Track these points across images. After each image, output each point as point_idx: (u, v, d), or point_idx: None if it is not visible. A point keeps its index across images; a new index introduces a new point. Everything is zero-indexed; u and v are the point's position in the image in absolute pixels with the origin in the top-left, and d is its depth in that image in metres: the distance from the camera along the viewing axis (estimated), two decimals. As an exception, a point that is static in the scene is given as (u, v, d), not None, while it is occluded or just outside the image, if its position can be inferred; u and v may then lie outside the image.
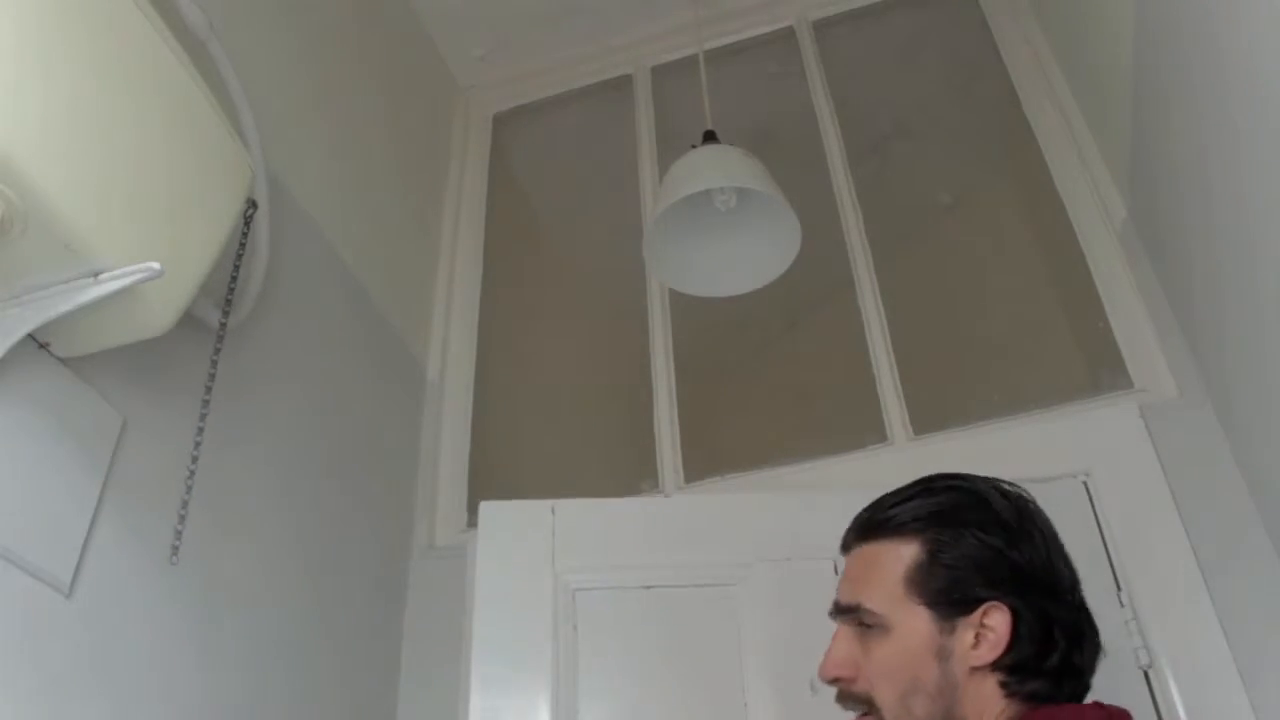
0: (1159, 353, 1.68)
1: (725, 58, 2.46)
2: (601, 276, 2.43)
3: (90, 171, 1.00)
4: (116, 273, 1.01)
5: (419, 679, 1.73)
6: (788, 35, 2.50)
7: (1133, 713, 0.86)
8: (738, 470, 1.84)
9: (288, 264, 1.64)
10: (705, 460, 1.90)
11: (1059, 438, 1.64)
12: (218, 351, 1.37)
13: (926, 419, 1.79)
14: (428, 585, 1.83)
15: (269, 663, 1.43)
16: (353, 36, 2.14)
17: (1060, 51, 2.09)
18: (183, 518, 1.28)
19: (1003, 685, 0.87)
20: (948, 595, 0.89)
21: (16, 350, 1.02)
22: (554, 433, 2.17)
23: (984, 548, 0.90)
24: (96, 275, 1.01)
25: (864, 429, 1.81)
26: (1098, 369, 1.75)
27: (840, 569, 0.99)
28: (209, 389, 1.35)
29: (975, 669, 0.87)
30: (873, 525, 0.96)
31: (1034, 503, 0.96)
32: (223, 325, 1.37)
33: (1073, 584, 0.93)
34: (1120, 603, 1.46)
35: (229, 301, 1.40)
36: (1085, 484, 1.57)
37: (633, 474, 1.93)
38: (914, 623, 0.89)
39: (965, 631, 0.88)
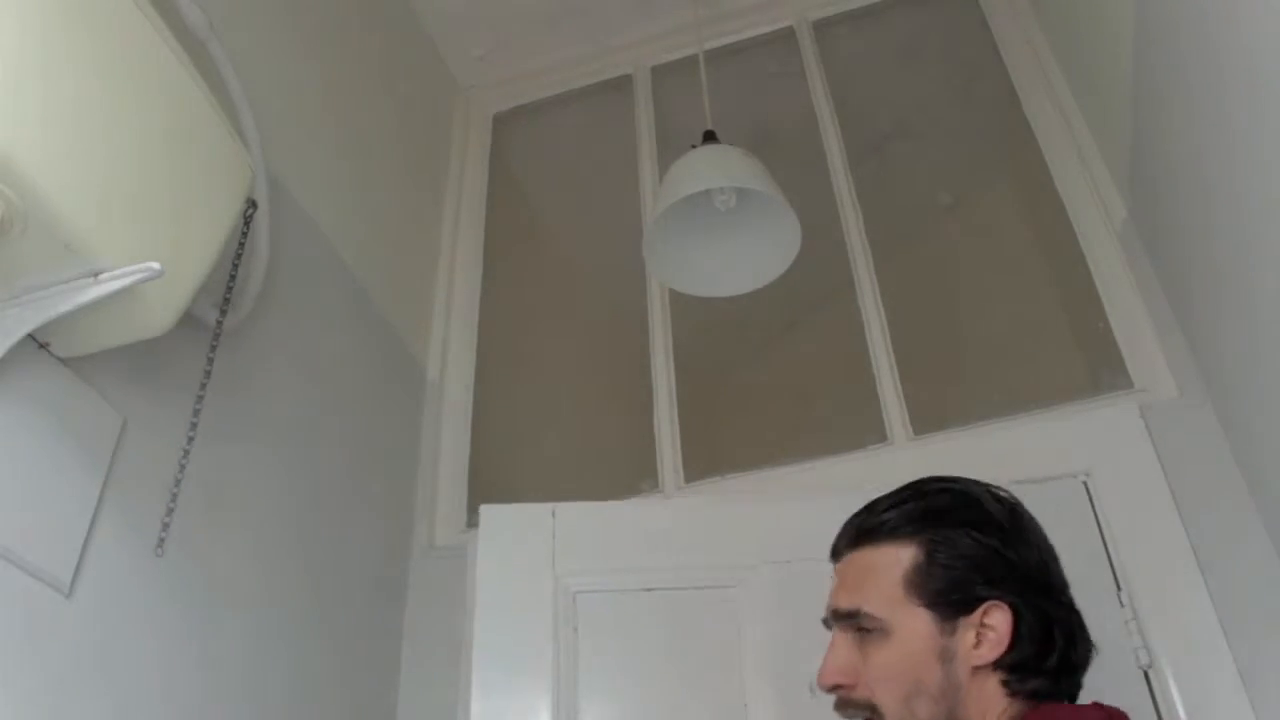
0: (1159, 352, 1.68)
1: (725, 58, 2.45)
2: (601, 276, 2.43)
3: (90, 172, 1.00)
4: (116, 273, 1.01)
5: (419, 679, 1.73)
6: (787, 35, 2.50)
7: (1133, 713, 0.86)
8: (738, 470, 1.84)
9: (287, 264, 1.64)
10: (705, 460, 1.90)
11: (1059, 438, 1.64)
12: (214, 349, 1.37)
13: (926, 419, 1.79)
14: (428, 585, 1.83)
15: (269, 663, 1.43)
16: (353, 36, 2.14)
17: (1060, 51, 2.09)
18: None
19: (1004, 684, 0.87)
20: (947, 596, 0.89)
21: (16, 350, 1.02)
22: (554, 432, 2.17)
23: (981, 547, 0.90)
24: (96, 275, 1.01)
25: (864, 429, 1.81)
26: (1098, 369, 1.75)
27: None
28: (204, 385, 1.35)
29: (977, 669, 0.87)
30: (866, 530, 0.95)
31: (1023, 506, 0.96)
32: (219, 324, 1.37)
33: (1064, 587, 0.93)
34: (1120, 602, 1.46)
35: (228, 301, 1.40)
36: (1085, 484, 1.57)
37: (633, 473, 1.93)
38: (915, 625, 0.89)
39: (966, 632, 0.88)
